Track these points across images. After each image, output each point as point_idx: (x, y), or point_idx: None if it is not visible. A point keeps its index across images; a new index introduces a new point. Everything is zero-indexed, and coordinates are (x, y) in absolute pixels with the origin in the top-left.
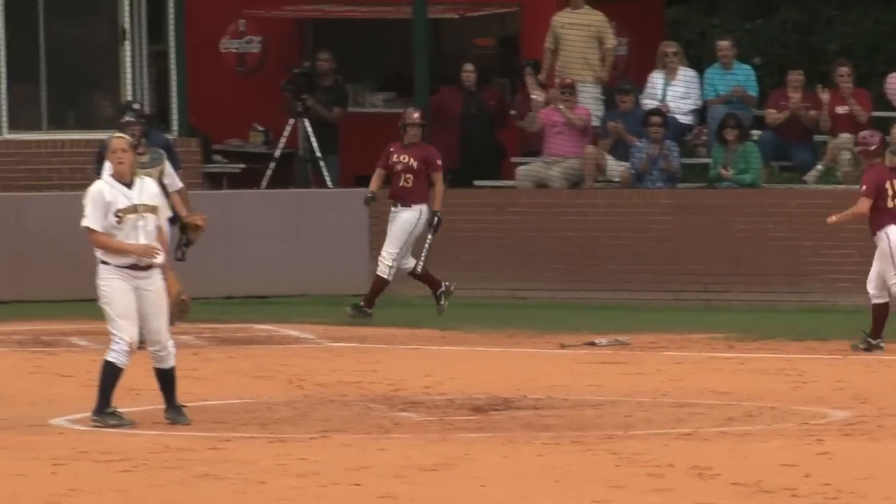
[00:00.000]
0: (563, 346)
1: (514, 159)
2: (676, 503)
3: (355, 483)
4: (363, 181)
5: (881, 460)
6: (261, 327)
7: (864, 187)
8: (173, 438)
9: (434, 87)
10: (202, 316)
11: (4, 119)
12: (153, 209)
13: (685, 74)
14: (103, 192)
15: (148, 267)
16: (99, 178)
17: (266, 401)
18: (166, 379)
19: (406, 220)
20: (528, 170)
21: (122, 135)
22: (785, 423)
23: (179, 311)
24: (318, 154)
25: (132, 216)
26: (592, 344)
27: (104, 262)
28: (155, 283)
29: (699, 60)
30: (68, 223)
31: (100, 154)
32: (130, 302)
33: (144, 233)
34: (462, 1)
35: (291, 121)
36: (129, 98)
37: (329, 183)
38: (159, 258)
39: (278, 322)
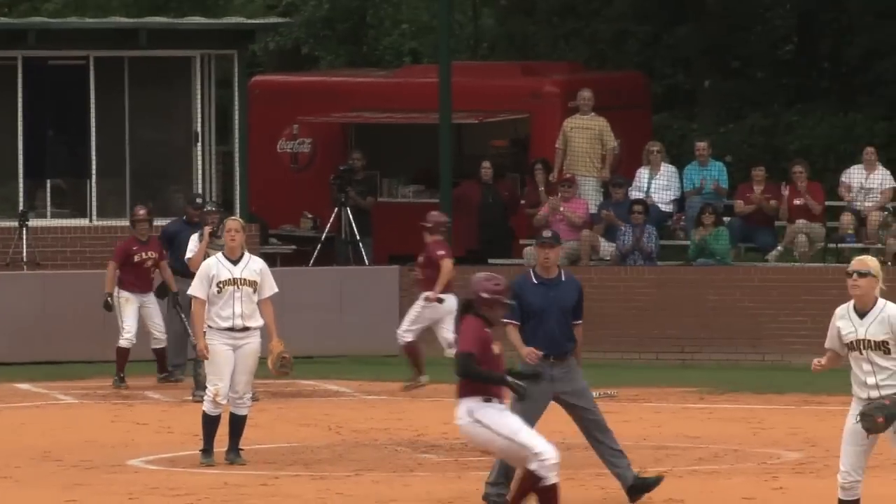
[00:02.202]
0: None
1: (522, 241)
2: None
3: None
4: (395, 259)
5: (827, 494)
6: (306, 383)
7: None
8: (231, 476)
9: (456, 181)
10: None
11: (94, 208)
12: (252, 283)
13: (667, 169)
14: (210, 267)
15: (244, 329)
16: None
17: (309, 445)
18: (236, 424)
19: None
20: (533, 250)
21: (235, 217)
22: (746, 463)
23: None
24: (357, 237)
25: (230, 288)
26: None
27: (209, 326)
28: (248, 343)
29: (679, 158)
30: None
31: (164, 234)
32: (223, 360)
33: (240, 303)
34: (481, 108)
35: (335, 209)
36: (199, 191)
37: (366, 261)
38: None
39: (321, 378)
